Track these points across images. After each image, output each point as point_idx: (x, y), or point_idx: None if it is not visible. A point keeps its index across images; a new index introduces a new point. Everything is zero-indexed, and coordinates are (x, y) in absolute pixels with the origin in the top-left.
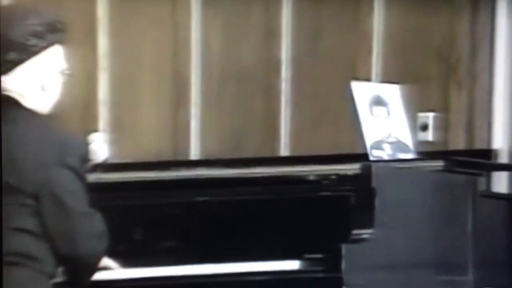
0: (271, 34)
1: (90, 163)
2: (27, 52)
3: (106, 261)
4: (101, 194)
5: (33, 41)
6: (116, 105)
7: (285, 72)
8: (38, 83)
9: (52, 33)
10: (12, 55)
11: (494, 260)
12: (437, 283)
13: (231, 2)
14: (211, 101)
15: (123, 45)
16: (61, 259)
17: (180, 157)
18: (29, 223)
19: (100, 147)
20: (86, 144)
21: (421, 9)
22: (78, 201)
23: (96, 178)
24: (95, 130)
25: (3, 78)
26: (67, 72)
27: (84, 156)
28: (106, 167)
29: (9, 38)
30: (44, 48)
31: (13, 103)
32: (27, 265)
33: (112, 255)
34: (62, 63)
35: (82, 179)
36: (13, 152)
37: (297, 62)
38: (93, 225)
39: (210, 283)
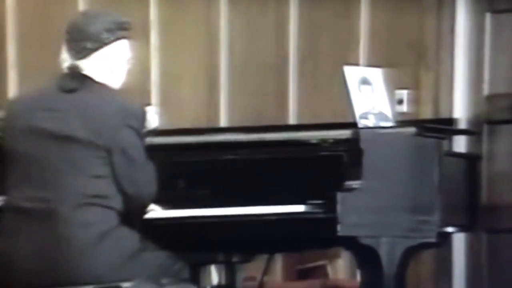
0: (282, 29)
1: (145, 130)
2: (101, 43)
3: (152, 205)
4: (152, 154)
5: (106, 35)
6: (164, 85)
7: (293, 59)
8: (107, 67)
9: (120, 30)
10: (89, 44)
11: (454, 205)
12: (411, 221)
13: (251, 5)
14: (236, 82)
15: (169, 40)
16: (126, 198)
17: (212, 125)
18: (104, 170)
19: (152, 117)
20: (144, 110)
21: (397, 9)
22: (139, 153)
23: (149, 142)
24: (149, 104)
25: (82, 61)
26: (131, 61)
27: (143, 119)
28: (156, 132)
29: (89, 31)
30: (114, 41)
31: (89, 79)
32: (101, 204)
33: (159, 200)
34: (127, 53)
35: (141, 137)
36: (91, 116)
37: (301, 51)
38: (149, 171)
39: (234, 222)
